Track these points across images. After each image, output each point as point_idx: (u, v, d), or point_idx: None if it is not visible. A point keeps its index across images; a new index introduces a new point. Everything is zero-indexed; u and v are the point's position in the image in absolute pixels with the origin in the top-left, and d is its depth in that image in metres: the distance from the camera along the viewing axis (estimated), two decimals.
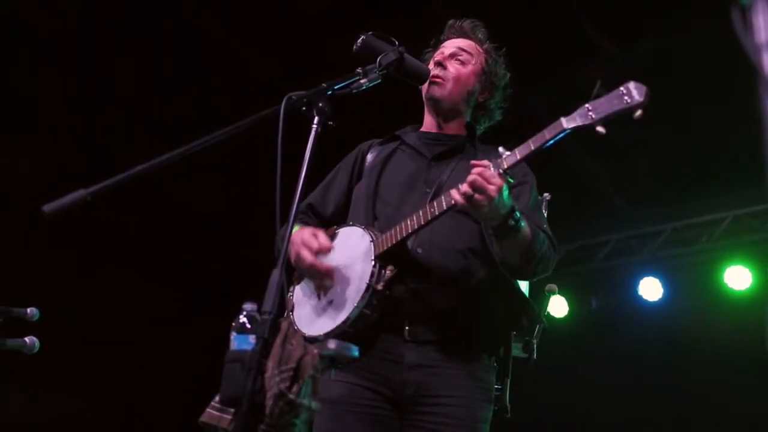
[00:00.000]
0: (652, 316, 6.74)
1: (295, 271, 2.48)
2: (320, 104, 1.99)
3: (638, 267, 6.91)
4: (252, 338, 1.65)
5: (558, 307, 6.98)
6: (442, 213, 2.21)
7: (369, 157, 2.67)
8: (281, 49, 5.46)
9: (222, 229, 6.69)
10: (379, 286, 2.23)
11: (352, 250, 2.35)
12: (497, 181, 2.08)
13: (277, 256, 1.75)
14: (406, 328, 2.30)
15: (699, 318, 6.38)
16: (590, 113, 2.03)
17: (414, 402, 2.27)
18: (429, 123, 2.68)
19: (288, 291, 2.46)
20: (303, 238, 2.33)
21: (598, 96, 2.02)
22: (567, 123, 2.07)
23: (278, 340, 1.65)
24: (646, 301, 6.81)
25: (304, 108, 2.00)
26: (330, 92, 2.03)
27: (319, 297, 2.37)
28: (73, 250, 5.86)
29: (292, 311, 2.42)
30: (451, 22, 2.75)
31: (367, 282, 2.23)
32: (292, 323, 2.33)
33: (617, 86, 2.01)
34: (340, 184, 2.68)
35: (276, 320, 1.65)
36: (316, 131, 1.96)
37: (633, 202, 6.77)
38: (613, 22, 5.10)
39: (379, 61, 2.14)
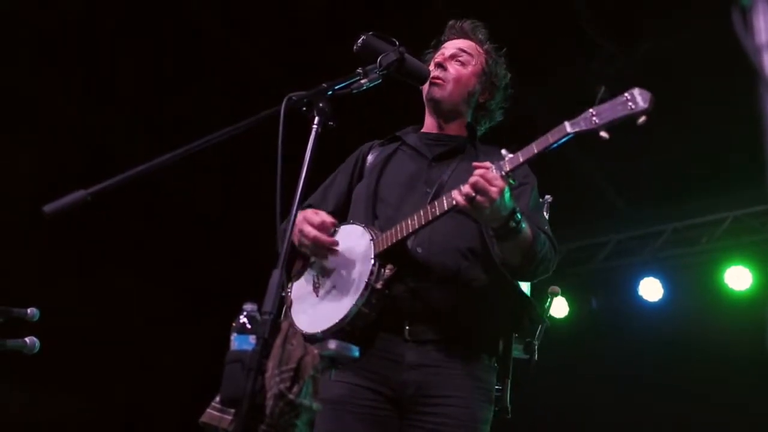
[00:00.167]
0: (653, 317, 6.74)
1: (293, 268, 2.48)
2: (320, 104, 1.99)
3: (639, 267, 6.92)
4: (252, 338, 1.64)
5: (558, 307, 6.98)
6: (443, 213, 2.21)
7: (369, 158, 2.67)
8: (281, 49, 5.46)
9: (222, 229, 6.69)
10: (379, 285, 2.23)
11: (352, 248, 2.35)
12: (499, 183, 2.07)
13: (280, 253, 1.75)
14: (407, 327, 2.29)
15: (699, 318, 6.38)
16: (594, 118, 2.03)
17: (414, 402, 2.27)
18: (430, 124, 2.68)
19: (286, 288, 2.46)
20: (305, 215, 2.37)
21: (602, 100, 2.02)
22: (571, 127, 2.07)
23: (278, 341, 1.65)
24: (647, 301, 6.81)
25: (304, 108, 2.00)
26: (330, 92, 2.03)
27: (317, 294, 2.37)
28: (73, 250, 5.86)
29: (290, 308, 2.42)
30: (451, 22, 2.75)
31: (366, 280, 2.23)
32: (292, 323, 2.32)
33: (621, 92, 2.00)
34: (340, 185, 2.68)
35: (276, 320, 1.65)
36: (317, 131, 1.96)
37: (633, 202, 6.78)
38: (613, 22, 5.10)
39: (380, 62, 2.14)
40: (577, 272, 7.01)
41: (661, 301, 6.77)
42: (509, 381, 2.44)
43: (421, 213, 2.24)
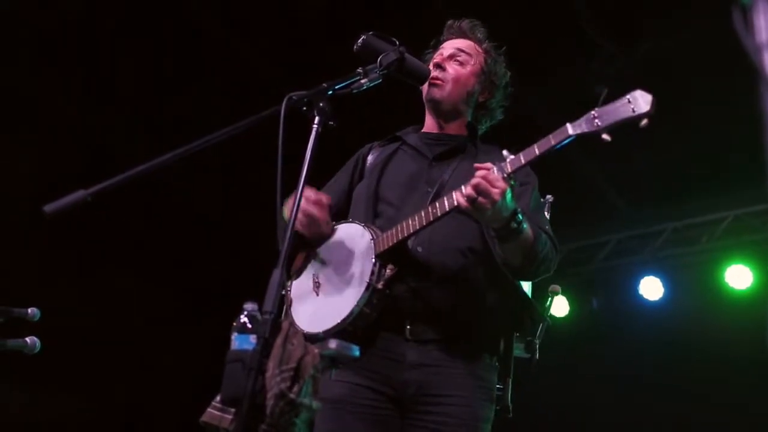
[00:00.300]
0: (653, 316, 6.74)
1: (293, 267, 2.48)
2: (321, 104, 1.99)
3: (639, 267, 6.91)
4: (253, 338, 1.65)
5: (559, 307, 6.98)
6: (445, 214, 2.21)
7: (370, 158, 2.66)
8: (281, 49, 5.46)
9: (222, 229, 6.69)
10: (380, 285, 2.23)
11: (352, 248, 2.35)
12: (501, 184, 2.07)
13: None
14: (408, 327, 2.29)
15: (700, 317, 6.38)
16: (596, 120, 2.03)
17: (415, 401, 2.27)
18: (430, 124, 2.68)
19: (285, 286, 2.45)
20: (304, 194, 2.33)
21: (604, 102, 2.02)
22: (573, 129, 2.07)
23: (279, 340, 1.65)
24: (647, 300, 6.81)
25: (304, 108, 2.00)
26: (330, 92, 2.03)
27: (317, 293, 2.37)
28: (73, 250, 5.86)
29: (290, 307, 2.42)
30: (449, 22, 2.74)
31: (368, 280, 2.23)
32: (292, 323, 2.32)
33: (623, 93, 2.01)
34: (340, 183, 2.68)
35: (277, 320, 1.65)
36: (317, 131, 1.96)
37: (633, 202, 6.77)
38: (613, 22, 5.10)
39: (380, 61, 2.14)
40: (578, 272, 7.01)
41: (661, 300, 6.76)
42: (510, 380, 2.44)
43: (422, 213, 2.24)
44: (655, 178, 6.35)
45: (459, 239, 2.38)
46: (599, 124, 2.02)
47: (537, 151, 2.10)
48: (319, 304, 2.35)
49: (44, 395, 5.78)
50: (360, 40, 2.19)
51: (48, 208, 1.79)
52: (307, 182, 1.91)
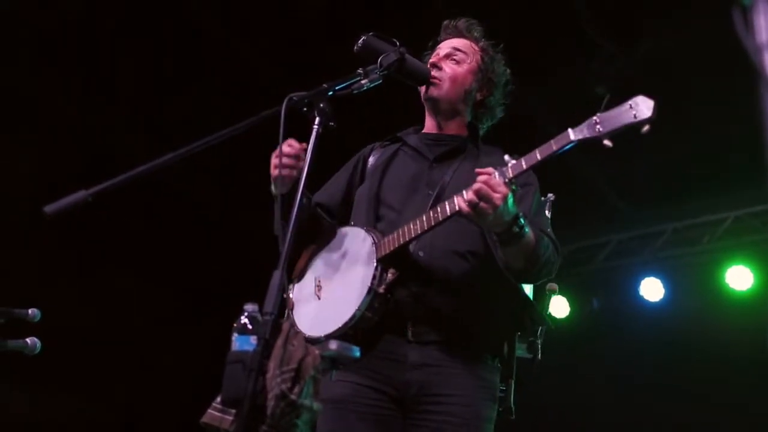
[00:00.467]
0: (653, 317, 6.74)
1: (294, 270, 2.48)
2: (321, 105, 1.99)
3: (639, 267, 6.91)
4: (253, 339, 1.65)
5: (559, 307, 6.97)
6: (446, 219, 2.21)
7: (371, 159, 2.66)
8: (281, 49, 5.45)
9: (222, 229, 6.69)
10: (381, 289, 2.24)
11: (354, 252, 2.35)
12: (503, 189, 2.07)
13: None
14: (410, 329, 2.30)
15: (700, 318, 6.37)
16: (598, 126, 2.04)
17: (417, 401, 2.27)
18: (430, 124, 2.67)
19: (287, 289, 2.45)
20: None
21: (606, 107, 2.02)
22: (574, 135, 2.07)
23: (279, 341, 1.65)
24: (648, 301, 6.80)
25: (304, 108, 2.00)
26: (331, 93, 2.04)
27: (319, 297, 2.37)
28: (73, 250, 5.86)
29: (292, 310, 2.42)
30: (446, 22, 2.73)
31: (369, 285, 2.23)
32: (293, 324, 2.32)
33: (625, 97, 2.01)
34: (339, 183, 2.67)
35: (277, 321, 1.65)
36: (317, 132, 1.96)
37: (634, 202, 6.77)
38: (613, 22, 5.10)
39: (380, 62, 2.14)
40: (578, 272, 7.00)
41: (662, 301, 6.76)
42: (513, 381, 2.44)
43: (424, 218, 2.24)
44: (656, 178, 6.34)
45: (460, 243, 2.38)
46: (601, 129, 2.03)
47: (539, 156, 2.11)
48: (320, 308, 2.35)
49: (44, 395, 5.78)
50: (360, 41, 2.19)
51: (48, 208, 1.79)
52: (307, 182, 1.91)
